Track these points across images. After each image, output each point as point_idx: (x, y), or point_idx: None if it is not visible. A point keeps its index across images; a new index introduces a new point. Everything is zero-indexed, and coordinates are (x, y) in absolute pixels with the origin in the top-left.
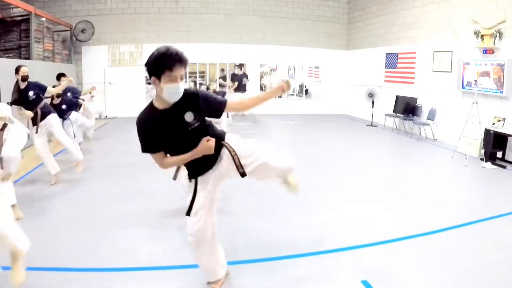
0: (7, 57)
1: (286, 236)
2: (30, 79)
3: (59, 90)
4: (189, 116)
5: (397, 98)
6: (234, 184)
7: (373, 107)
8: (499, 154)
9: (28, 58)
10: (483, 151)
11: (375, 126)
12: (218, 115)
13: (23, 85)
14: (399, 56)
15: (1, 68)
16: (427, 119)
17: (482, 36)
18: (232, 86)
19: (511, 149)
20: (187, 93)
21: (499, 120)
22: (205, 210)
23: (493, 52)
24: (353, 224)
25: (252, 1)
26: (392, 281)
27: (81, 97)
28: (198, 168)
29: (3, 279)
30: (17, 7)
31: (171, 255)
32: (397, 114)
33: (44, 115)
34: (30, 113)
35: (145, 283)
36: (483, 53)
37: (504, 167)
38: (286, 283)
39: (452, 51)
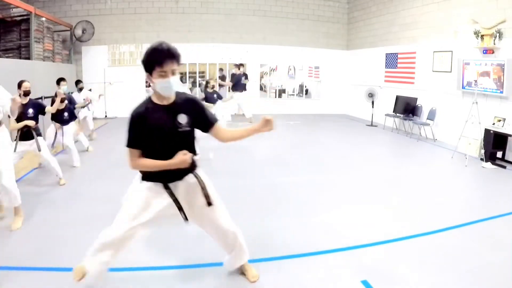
0: (7, 57)
1: (286, 236)
2: (30, 80)
3: (55, 108)
4: (182, 118)
5: (397, 98)
6: (233, 184)
7: (373, 107)
8: (499, 154)
9: (28, 58)
10: (483, 151)
11: (375, 126)
12: (204, 129)
13: (24, 100)
14: (399, 56)
15: (1, 68)
16: (427, 119)
17: (482, 36)
18: (231, 97)
19: (511, 149)
20: (187, 97)
21: (499, 120)
22: (146, 222)
23: (493, 52)
24: (353, 224)
25: (252, 1)
26: (392, 281)
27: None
28: (163, 174)
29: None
30: (17, 7)
31: (171, 255)
32: (397, 114)
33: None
34: (32, 122)
35: (145, 283)
36: (483, 53)
37: (504, 167)
38: (286, 283)
39: (452, 51)
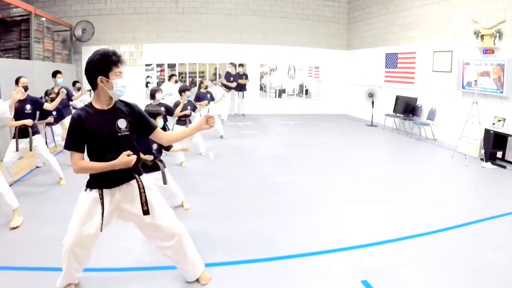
0: (7, 57)
1: (286, 236)
2: (30, 80)
3: (54, 105)
4: (122, 122)
5: (397, 98)
6: (233, 184)
7: (373, 107)
8: (499, 154)
9: (28, 58)
10: (483, 151)
11: (375, 126)
12: (144, 135)
13: (22, 96)
14: (399, 56)
15: (1, 68)
16: (427, 119)
17: (482, 36)
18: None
19: (511, 149)
20: (127, 103)
21: (499, 120)
22: (96, 232)
23: (493, 52)
24: (353, 224)
25: (252, 1)
26: (392, 281)
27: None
28: (109, 177)
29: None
30: (17, 7)
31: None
32: (397, 114)
33: (32, 134)
34: (30, 121)
35: (145, 283)
36: (483, 53)
37: (504, 167)
38: (286, 283)
39: (452, 51)
